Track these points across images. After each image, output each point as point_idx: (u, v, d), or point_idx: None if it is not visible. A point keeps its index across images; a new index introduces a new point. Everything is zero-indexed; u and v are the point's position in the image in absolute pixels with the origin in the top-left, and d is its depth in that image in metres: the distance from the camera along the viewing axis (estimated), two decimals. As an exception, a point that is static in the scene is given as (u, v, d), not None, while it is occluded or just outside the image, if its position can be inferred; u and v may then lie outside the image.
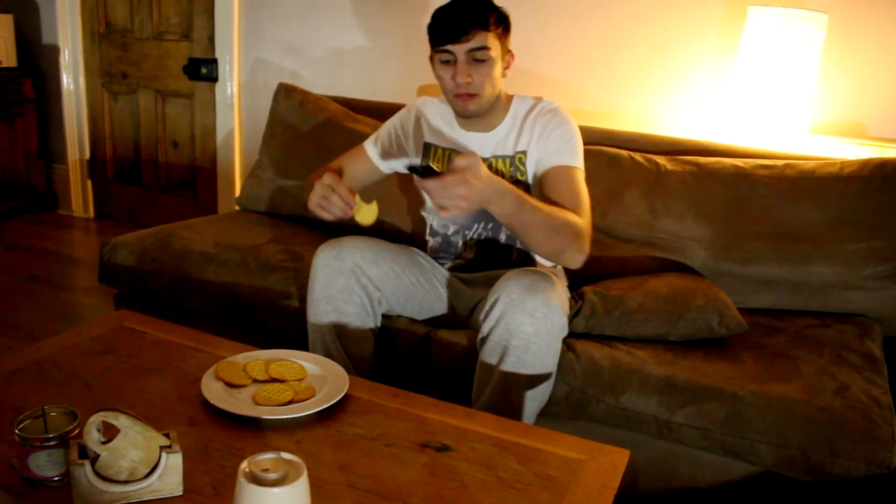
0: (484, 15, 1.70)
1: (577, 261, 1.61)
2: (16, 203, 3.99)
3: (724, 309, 1.78)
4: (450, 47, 1.70)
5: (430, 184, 1.40)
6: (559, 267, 1.96)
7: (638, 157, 2.24)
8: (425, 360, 1.85)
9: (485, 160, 1.71)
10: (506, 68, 1.80)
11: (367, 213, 1.61)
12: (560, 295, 1.65)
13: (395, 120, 2.04)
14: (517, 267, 1.72)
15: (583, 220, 1.62)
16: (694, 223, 2.12)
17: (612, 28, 2.62)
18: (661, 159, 2.22)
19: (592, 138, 2.36)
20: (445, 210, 1.41)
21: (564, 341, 1.68)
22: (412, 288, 1.86)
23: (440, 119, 1.94)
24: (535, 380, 1.58)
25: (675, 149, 2.30)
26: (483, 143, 1.85)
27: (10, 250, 3.53)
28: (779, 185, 2.08)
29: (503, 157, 1.83)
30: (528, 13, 2.71)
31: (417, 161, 1.92)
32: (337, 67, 3.18)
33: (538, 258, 1.89)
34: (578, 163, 1.77)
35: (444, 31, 1.70)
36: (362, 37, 3.09)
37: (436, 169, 1.42)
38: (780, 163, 2.13)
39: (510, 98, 1.87)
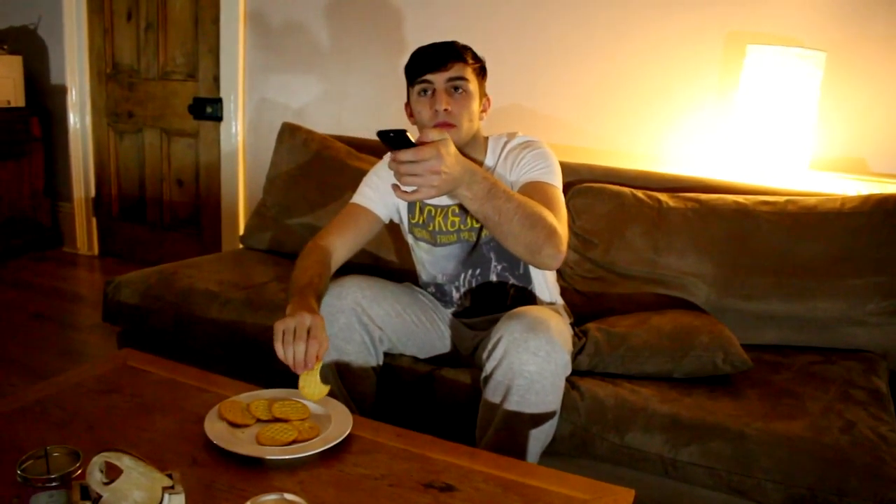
0: (462, 50, 1.76)
1: (555, 259, 1.55)
2: (22, 240, 4.01)
3: (728, 346, 1.78)
4: (429, 76, 1.72)
5: (405, 154, 1.33)
6: (561, 303, 1.96)
7: (640, 194, 2.25)
8: (429, 398, 1.84)
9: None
10: (482, 111, 1.81)
11: (314, 390, 1.43)
12: (563, 332, 1.65)
13: (370, 173, 1.98)
14: (517, 306, 1.72)
15: (558, 222, 1.58)
16: (696, 259, 2.12)
17: (612, 67, 2.65)
18: (663, 196, 2.23)
19: (594, 176, 2.38)
20: (416, 190, 1.37)
21: (568, 379, 1.67)
22: (414, 327, 1.86)
23: None
24: (539, 419, 1.57)
25: (676, 186, 2.31)
26: None
27: (16, 287, 3.54)
28: (781, 220, 2.09)
29: None
30: (530, 53, 2.75)
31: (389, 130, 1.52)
32: (340, 107, 3.22)
33: (538, 294, 1.89)
34: (554, 181, 1.74)
35: (423, 62, 1.74)
36: (365, 77, 3.13)
37: (410, 138, 1.33)
38: (782, 199, 2.14)
39: (486, 139, 1.87)
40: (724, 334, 1.81)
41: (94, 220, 4.13)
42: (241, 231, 3.43)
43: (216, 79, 3.53)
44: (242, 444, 1.28)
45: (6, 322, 3.10)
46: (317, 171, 2.65)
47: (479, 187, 1.44)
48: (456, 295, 1.92)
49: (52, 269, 3.88)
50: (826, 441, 1.53)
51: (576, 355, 1.79)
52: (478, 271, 1.88)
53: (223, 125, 3.53)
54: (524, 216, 1.50)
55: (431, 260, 1.93)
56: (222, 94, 3.50)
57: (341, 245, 1.84)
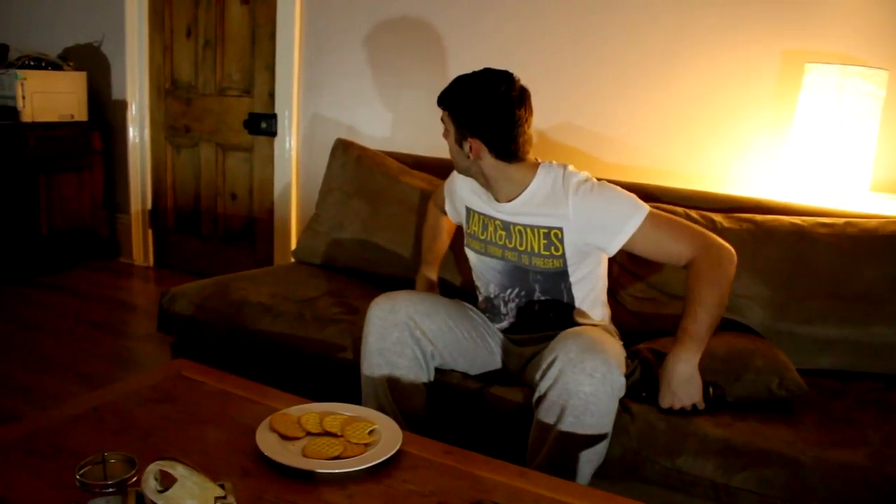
0: (444, 95, 1.85)
1: (733, 259, 1.72)
2: (81, 250, 4.12)
3: (783, 371, 1.73)
4: None
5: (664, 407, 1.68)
6: (608, 322, 1.94)
7: (693, 213, 2.22)
8: (478, 415, 1.84)
9: (512, 224, 1.80)
10: (469, 153, 1.79)
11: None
12: (618, 354, 1.65)
13: (444, 185, 2.17)
14: (560, 327, 1.73)
15: (700, 245, 1.70)
16: (751, 281, 2.08)
17: (666, 85, 2.63)
18: (716, 216, 2.20)
19: (646, 195, 2.35)
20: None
21: (619, 401, 1.65)
22: (465, 342, 1.86)
23: (469, 191, 1.96)
24: (592, 440, 1.55)
25: (730, 206, 2.27)
26: (506, 210, 1.83)
27: (75, 296, 3.64)
28: (839, 243, 2.04)
29: (532, 228, 1.79)
30: (584, 72, 2.74)
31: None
32: (392, 123, 3.25)
33: (587, 312, 1.88)
34: (639, 214, 1.73)
35: None
36: (417, 94, 3.15)
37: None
38: (841, 221, 2.09)
39: (534, 167, 1.82)
40: (778, 358, 1.77)
41: (150, 232, 4.22)
42: (294, 245, 3.48)
43: (271, 95, 3.59)
44: (293, 456, 1.29)
45: (65, 330, 3.18)
46: (369, 186, 2.67)
47: (696, 355, 1.66)
48: (504, 310, 1.92)
49: (109, 278, 3.98)
50: (888, 471, 1.48)
51: (628, 377, 1.77)
52: (523, 292, 1.88)
53: (277, 140, 3.59)
54: (719, 309, 1.68)
55: (482, 268, 1.94)
56: (277, 110, 3.56)
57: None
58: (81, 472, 1.08)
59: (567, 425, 1.54)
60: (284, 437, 1.35)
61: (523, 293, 1.88)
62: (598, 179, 1.80)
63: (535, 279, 1.84)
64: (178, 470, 1.04)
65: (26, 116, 3.76)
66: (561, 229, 1.76)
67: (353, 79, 3.32)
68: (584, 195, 1.75)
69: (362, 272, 2.58)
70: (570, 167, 1.82)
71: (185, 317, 2.30)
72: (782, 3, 2.40)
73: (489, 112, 1.73)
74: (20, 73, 3.74)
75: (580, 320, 1.86)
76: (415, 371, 1.76)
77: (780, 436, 1.60)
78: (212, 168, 3.92)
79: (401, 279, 2.47)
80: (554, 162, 1.84)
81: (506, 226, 1.83)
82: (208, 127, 3.88)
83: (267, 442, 1.32)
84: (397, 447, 1.33)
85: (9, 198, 3.75)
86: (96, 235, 4.20)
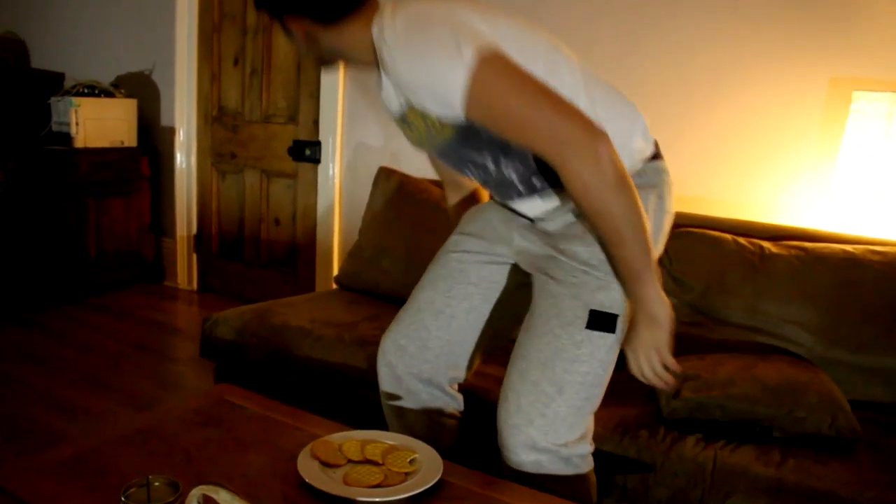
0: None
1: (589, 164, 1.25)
2: (127, 273, 4.20)
3: (837, 411, 1.67)
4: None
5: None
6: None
7: (741, 239, 2.19)
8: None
9: (389, 111, 1.47)
10: (305, 40, 1.43)
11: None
12: (583, 395, 1.43)
13: None
14: (532, 194, 1.46)
15: (566, 141, 1.25)
16: (800, 307, 2.03)
17: (708, 111, 2.60)
18: (764, 243, 2.17)
19: (692, 224, 2.33)
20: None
21: (666, 434, 1.61)
22: (476, 315, 1.64)
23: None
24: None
25: (777, 235, 2.24)
26: (382, 97, 1.47)
27: (121, 318, 3.70)
28: (892, 270, 1.99)
29: (397, 108, 1.45)
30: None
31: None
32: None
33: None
34: (465, 60, 1.23)
35: None
36: (461, 121, 3.16)
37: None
38: (893, 249, 2.04)
39: (369, 22, 1.37)
40: (833, 396, 1.72)
41: (194, 257, 4.29)
42: (336, 271, 3.51)
43: (316, 122, 3.64)
44: (334, 484, 1.28)
45: (110, 351, 3.23)
46: (411, 214, 2.68)
47: (651, 277, 1.36)
48: (496, 196, 1.60)
49: (154, 301, 4.04)
50: (948, 513, 1.43)
51: (674, 396, 1.73)
52: (479, 171, 1.50)
53: (321, 167, 3.63)
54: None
55: (443, 165, 1.72)
56: (321, 138, 3.60)
57: None
58: (126, 494, 1.09)
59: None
60: (325, 465, 1.34)
61: (481, 172, 1.50)
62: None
63: (467, 156, 1.47)
64: (221, 495, 1.04)
65: (79, 142, 3.86)
66: (410, 102, 1.37)
67: (397, 106, 3.34)
68: (393, 61, 1.30)
69: (404, 299, 2.58)
70: (388, 8, 1.35)
71: (227, 341, 2.33)
72: (828, 30, 2.37)
73: None
74: (75, 100, 3.85)
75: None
76: (435, 412, 1.70)
77: (834, 475, 1.55)
78: (256, 194, 3.97)
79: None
80: (386, 7, 1.36)
81: (393, 116, 1.49)
82: (253, 153, 3.94)
83: (308, 469, 1.31)
84: (438, 477, 1.32)
85: (60, 220, 3.84)
86: (142, 259, 4.27)
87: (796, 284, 2.06)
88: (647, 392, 1.93)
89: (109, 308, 3.86)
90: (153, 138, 4.26)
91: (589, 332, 1.41)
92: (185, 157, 4.17)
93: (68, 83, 4.25)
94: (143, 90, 4.22)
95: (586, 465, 1.47)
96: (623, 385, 2.05)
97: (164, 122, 4.21)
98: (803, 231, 2.23)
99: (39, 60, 4.74)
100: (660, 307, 1.38)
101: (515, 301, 1.64)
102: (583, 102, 1.36)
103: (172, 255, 4.31)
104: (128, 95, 4.12)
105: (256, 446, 1.45)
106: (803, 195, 2.47)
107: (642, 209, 1.32)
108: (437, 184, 2.83)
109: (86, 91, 4.00)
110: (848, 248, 2.08)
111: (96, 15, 4.42)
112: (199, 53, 4.05)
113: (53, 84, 4.41)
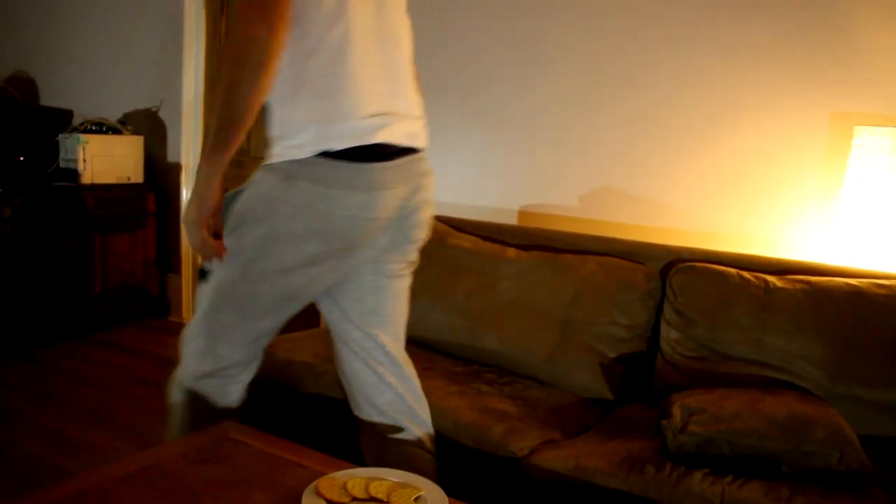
0: None
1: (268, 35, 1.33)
2: (132, 308, 4.21)
3: (846, 446, 1.66)
4: None
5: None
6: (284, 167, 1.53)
7: (745, 273, 2.19)
8: (518, 489, 1.79)
9: None
10: None
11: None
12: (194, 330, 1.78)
13: None
14: None
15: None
16: (806, 341, 2.03)
17: (711, 145, 2.62)
18: (769, 277, 2.17)
19: (696, 258, 2.34)
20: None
21: (673, 469, 1.60)
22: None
23: None
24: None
25: (781, 269, 2.24)
26: None
27: (125, 353, 3.70)
28: (898, 305, 1.98)
29: None
30: (627, 135, 2.75)
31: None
32: (441, 187, 3.28)
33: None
34: None
35: None
36: (465, 158, 3.19)
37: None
38: (899, 283, 2.04)
39: None
40: (842, 431, 1.70)
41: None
42: (339, 305, 3.50)
43: (320, 158, 3.66)
44: (338, 522, 1.28)
45: (115, 387, 3.23)
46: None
47: (206, 175, 1.52)
48: None
49: (159, 337, 4.04)
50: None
51: (679, 431, 1.71)
52: None
53: (325, 202, 3.65)
54: (226, 93, 1.41)
55: None
56: (326, 173, 3.62)
57: None
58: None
59: None
60: (330, 502, 1.34)
61: None
62: None
63: None
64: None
65: (86, 178, 3.90)
66: None
67: (401, 142, 3.37)
68: None
69: (407, 334, 2.58)
70: None
71: (233, 376, 2.32)
72: (830, 64, 2.40)
73: None
74: (82, 137, 3.89)
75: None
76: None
77: (843, 511, 1.53)
78: (261, 229, 3.99)
79: (443, 341, 2.48)
80: None
81: None
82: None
83: (313, 506, 1.31)
84: (444, 514, 1.31)
85: (67, 256, 3.86)
86: (148, 294, 4.28)
87: (802, 318, 2.06)
88: (654, 426, 1.92)
89: (114, 343, 3.86)
90: (160, 174, 4.29)
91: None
92: (190, 193, 4.20)
93: (76, 120, 4.30)
94: (151, 127, 4.27)
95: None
96: (628, 419, 2.05)
97: (171, 158, 4.25)
98: (808, 265, 2.24)
99: (48, 98, 4.81)
100: (202, 185, 1.51)
101: None
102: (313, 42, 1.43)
103: (178, 291, 4.33)
104: (135, 132, 4.17)
105: (261, 484, 1.44)
106: (807, 229, 2.48)
107: (251, 97, 1.39)
108: (443, 220, 2.85)
109: (93, 128, 4.05)
110: (853, 281, 2.08)
111: (104, 53, 4.48)
112: (205, 91, 4.09)
113: (62, 121, 4.47)
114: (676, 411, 1.78)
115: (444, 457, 1.87)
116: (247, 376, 1.77)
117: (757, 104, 2.53)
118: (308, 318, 3.77)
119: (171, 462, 1.52)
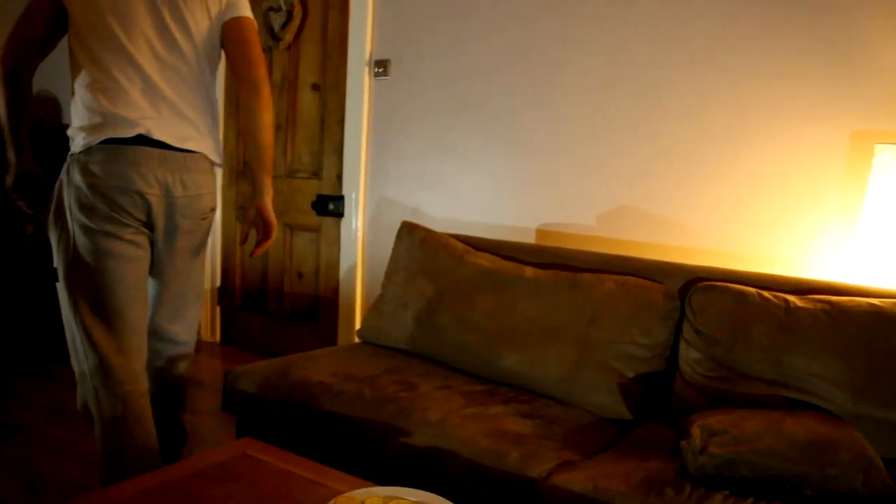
0: None
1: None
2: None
3: (870, 468, 1.63)
4: None
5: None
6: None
7: (765, 293, 2.17)
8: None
9: None
10: None
11: None
12: None
13: None
14: None
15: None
16: (828, 362, 2.00)
17: (729, 164, 2.61)
18: (790, 297, 2.15)
19: (715, 277, 2.33)
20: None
21: (692, 491, 1.58)
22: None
23: None
24: None
25: (801, 289, 2.22)
26: None
27: (143, 372, 3.71)
28: (922, 326, 1.96)
29: None
30: (645, 154, 2.75)
31: None
32: (458, 205, 3.29)
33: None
34: None
35: None
36: (483, 176, 3.20)
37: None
38: (922, 303, 2.02)
39: None
40: (865, 452, 1.68)
41: (218, 309, 4.32)
42: (358, 324, 3.52)
43: (339, 177, 3.69)
44: (355, 541, 1.27)
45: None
46: (433, 267, 2.69)
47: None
48: None
49: (177, 355, 4.05)
50: None
51: (699, 452, 1.69)
52: None
53: (344, 221, 3.67)
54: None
55: None
56: (344, 192, 3.65)
57: None
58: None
59: None
60: (347, 521, 1.34)
61: None
62: None
63: None
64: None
65: (107, 197, 3.93)
66: None
67: (419, 162, 3.39)
68: None
69: (424, 354, 2.58)
70: None
71: (249, 395, 2.33)
72: (849, 82, 2.39)
73: None
74: (103, 156, 3.93)
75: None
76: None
77: (867, 534, 1.51)
78: (279, 247, 4.02)
79: (461, 360, 2.47)
80: None
81: None
82: (277, 208, 3.99)
83: (330, 525, 1.30)
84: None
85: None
86: (167, 312, 4.30)
87: (823, 338, 2.04)
88: (673, 447, 1.90)
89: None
90: (179, 193, 4.33)
91: None
92: (210, 212, 4.24)
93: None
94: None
95: None
96: (647, 440, 2.03)
97: (191, 177, 4.28)
98: (829, 284, 2.22)
99: (71, 117, 4.86)
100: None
101: None
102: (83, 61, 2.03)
103: (196, 309, 4.35)
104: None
105: (279, 502, 1.44)
106: (828, 248, 2.46)
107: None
108: (460, 238, 2.85)
109: (115, 147, 4.09)
110: (875, 301, 2.05)
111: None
112: (224, 110, 4.14)
113: (84, 141, 4.52)
114: (696, 432, 1.76)
115: (461, 479, 1.86)
116: None
117: (776, 122, 2.53)
118: (324, 335, 3.79)
119: (189, 479, 1.52)
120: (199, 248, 2.23)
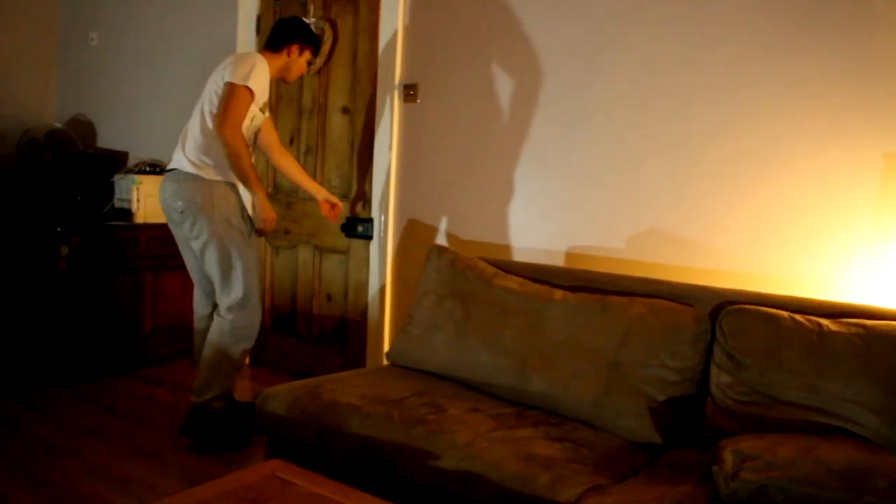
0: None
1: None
2: (181, 346, 4.28)
3: (909, 495, 1.61)
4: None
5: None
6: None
7: (798, 316, 2.15)
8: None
9: None
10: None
11: None
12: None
13: None
14: None
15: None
16: (863, 387, 1.97)
17: (759, 186, 2.59)
18: (822, 320, 2.12)
19: (746, 301, 2.30)
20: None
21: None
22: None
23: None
24: None
25: (835, 312, 2.19)
26: None
27: (174, 391, 3.75)
28: (960, 351, 1.92)
29: None
30: (673, 175, 2.74)
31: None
32: (486, 229, 3.29)
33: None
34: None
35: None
36: (512, 200, 3.20)
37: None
38: (959, 328, 1.98)
39: None
40: (902, 479, 1.65)
41: (247, 330, 4.34)
42: (387, 347, 3.52)
43: (368, 200, 3.72)
44: (385, 564, 1.27)
45: (163, 423, 3.27)
46: (462, 289, 2.70)
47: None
48: None
49: (207, 375, 4.09)
50: None
51: (731, 476, 1.67)
52: None
53: (373, 244, 3.69)
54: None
55: None
56: (373, 215, 3.67)
57: None
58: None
59: None
60: (376, 544, 1.33)
61: None
62: None
63: None
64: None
65: (139, 218, 4.01)
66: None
67: (448, 185, 3.41)
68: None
69: (454, 376, 2.58)
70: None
71: (278, 417, 2.34)
72: (883, 104, 2.36)
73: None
74: (136, 177, 4.01)
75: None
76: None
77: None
78: (309, 269, 4.04)
79: (490, 383, 2.46)
80: None
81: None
82: (307, 230, 4.03)
83: (359, 548, 1.30)
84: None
85: (119, 293, 3.96)
86: (197, 333, 4.34)
87: (858, 363, 2.01)
88: (704, 472, 1.87)
89: (162, 380, 3.92)
90: (210, 215, 4.38)
91: None
92: (240, 234, 4.27)
93: (131, 161, 4.43)
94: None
95: None
96: (677, 464, 2.00)
97: (222, 199, 4.33)
98: (862, 308, 2.18)
99: (106, 140, 4.97)
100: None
101: None
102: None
103: (226, 329, 4.37)
104: (188, 174, 4.27)
105: (307, 524, 1.44)
106: (861, 271, 2.42)
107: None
108: (489, 261, 2.85)
109: (147, 169, 4.17)
110: (911, 325, 2.02)
111: (159, 97, 4.63)
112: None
113: (118, 162, 4.61)
114: (728, 457, 1.74)
115: (490, 503, 1.85)
116: None
117: (807, 144, 2.50)
118: (353, 358, 3.79)
119: (218, 500, 1.53)
120: (196, 240, 3.04)
